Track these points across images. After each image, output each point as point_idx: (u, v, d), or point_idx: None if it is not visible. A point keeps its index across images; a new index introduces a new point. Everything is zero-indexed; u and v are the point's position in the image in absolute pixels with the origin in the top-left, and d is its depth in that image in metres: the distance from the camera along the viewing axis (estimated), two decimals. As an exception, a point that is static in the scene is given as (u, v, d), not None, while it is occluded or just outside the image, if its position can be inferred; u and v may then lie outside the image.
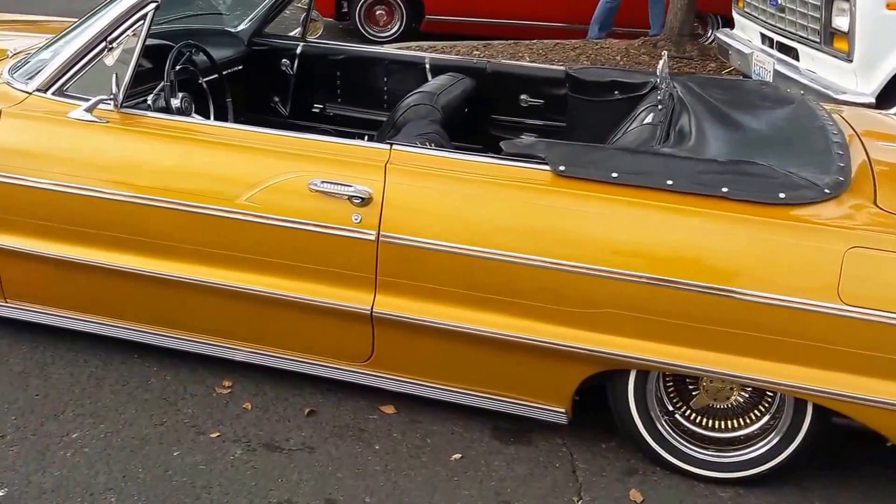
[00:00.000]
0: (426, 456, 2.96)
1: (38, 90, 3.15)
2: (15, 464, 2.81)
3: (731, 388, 2.89)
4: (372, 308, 2.92)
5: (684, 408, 2.98)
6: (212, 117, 3.78)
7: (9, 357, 3.34)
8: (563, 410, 2.96)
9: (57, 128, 3.10)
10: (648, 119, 3.36)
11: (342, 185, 2.86)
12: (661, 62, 3.56)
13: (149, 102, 3.34)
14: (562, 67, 4.37)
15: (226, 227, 2.97)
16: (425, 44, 8.89)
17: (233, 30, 4.56)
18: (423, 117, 3.67)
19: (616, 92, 4.11)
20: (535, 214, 2.80)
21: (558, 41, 8.82)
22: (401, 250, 2.86)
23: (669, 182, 2.70)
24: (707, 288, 2.63)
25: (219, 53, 4.32)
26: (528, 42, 8.83)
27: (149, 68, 3.57)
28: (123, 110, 3.08)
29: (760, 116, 3.38)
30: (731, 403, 2.93)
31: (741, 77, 6.17)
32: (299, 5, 4.71)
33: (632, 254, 2.70)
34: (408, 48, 7.84)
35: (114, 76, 3.01)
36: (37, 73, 3.18)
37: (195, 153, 3.05)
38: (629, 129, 3.43)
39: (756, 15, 6.32)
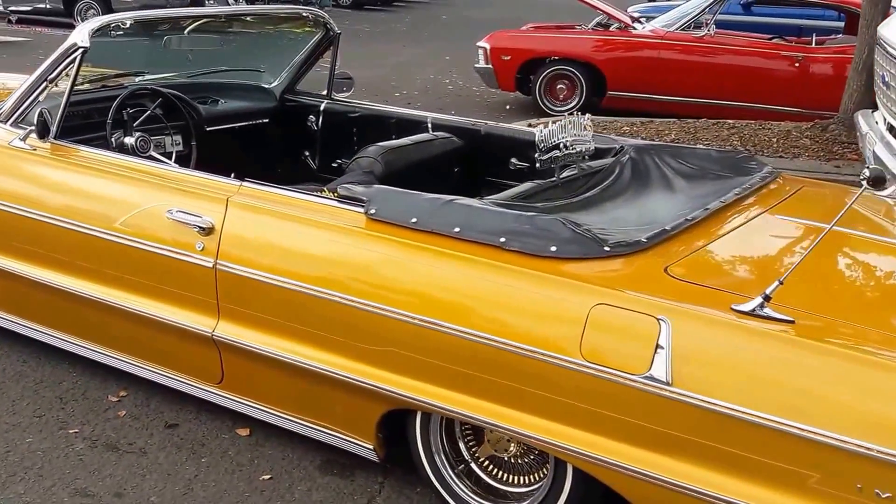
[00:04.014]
0: (240, 473, 3.39)
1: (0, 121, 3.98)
2: None
3: (508, 440, 3.09)
4: (213, 332, 3.41)
5: (479, 456, 3.20)
6: (173, 159, 4.46)
7: (-37, 351, 4.18)
8: (370, 446, 3.27)
9: (2, 153, 3.91)
10: (563, 175, 3.67)
11: (192, 215, 3.40)
12: (550, 125, 3.74)
13: (111, 140, 4.11)
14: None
15: (105, 247, 3.59)
16: (584, 117, 9.19)
17: (267, 86, 5.27)
18: (362, 168, 4.15)
19: (586, 157, 4.36)
20: (346, 253, 3.17)
21: (718, 120, 8.85)
22: (233, 279, 3.33)
23: (456, 230, 2.97)
24: (467, 333, 2.85)
25: (245, 106, 5.08)
26: (684, 120, 8.92)
27: (157, 114, 4.40)
28: (56, 142, 3.83)
29: (687, 184, 3.59)
30: (517, 458, 3.11)
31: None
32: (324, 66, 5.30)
33: (412, 295, 2.99)
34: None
35: (40, 111, 3.75)
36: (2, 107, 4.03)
37: (94, 181, 3.72)
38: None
39: (880, 94, 6.18)
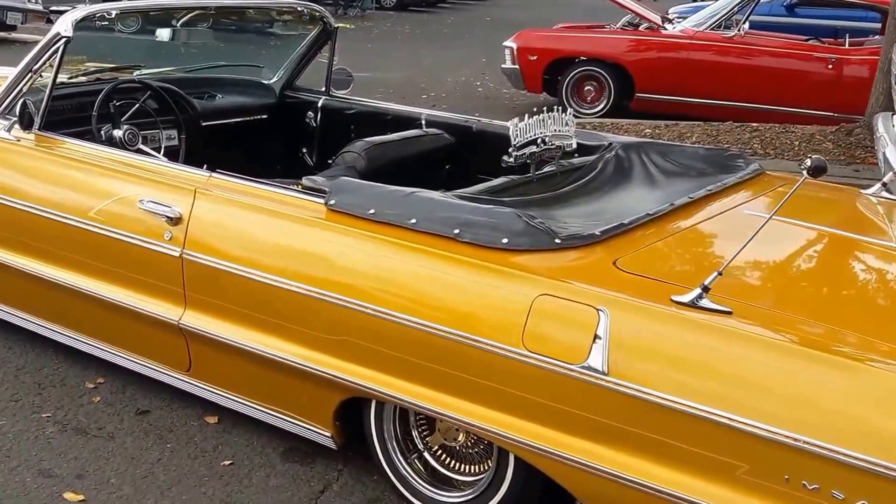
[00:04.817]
0: (202, 458, 3.45)
1: (-13, 113, 4.09)
2: None
3: (457, 430, 3.11)
4: (180, 320, 3.47)
5: (431, 444, 3.23)
6: (161, 152, 4.53)
7: (-47, 337, 4.29)
8: (328, 434, 3.31)
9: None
10: (543, 170, 3.71)
11: (162, 205, 3.46)
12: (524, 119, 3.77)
13: (100, 133, 4.19)
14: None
15: (80, 236, 3.66)
16: (608, 121, 9.19)
17: (266, 82, 5.34)
18: (346, 163, 4.20)
19: (575, 154, 4.37)
20: (306, 244, 3.24)
21: (742, 123, 8.75)
22: (198, 268, 3.39)
23: (412, 221, 3.01)
24: (418, 324, 2.89)
25: (243, 102, 5.16)
26: (707, 123, 8.85)
27: (147, 107, 4.49)
28: (40, 133, 3.92)
29: (667, 181, 3.62)
30: (466, 447, 3.14)
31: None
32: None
33: (366, 286, 3.03)
34: (581, 126, 8.22)
35: (24, 102, 3.83)
36: (-9, 99, 4.13)
37: (73, 172, 3.81)
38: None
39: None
